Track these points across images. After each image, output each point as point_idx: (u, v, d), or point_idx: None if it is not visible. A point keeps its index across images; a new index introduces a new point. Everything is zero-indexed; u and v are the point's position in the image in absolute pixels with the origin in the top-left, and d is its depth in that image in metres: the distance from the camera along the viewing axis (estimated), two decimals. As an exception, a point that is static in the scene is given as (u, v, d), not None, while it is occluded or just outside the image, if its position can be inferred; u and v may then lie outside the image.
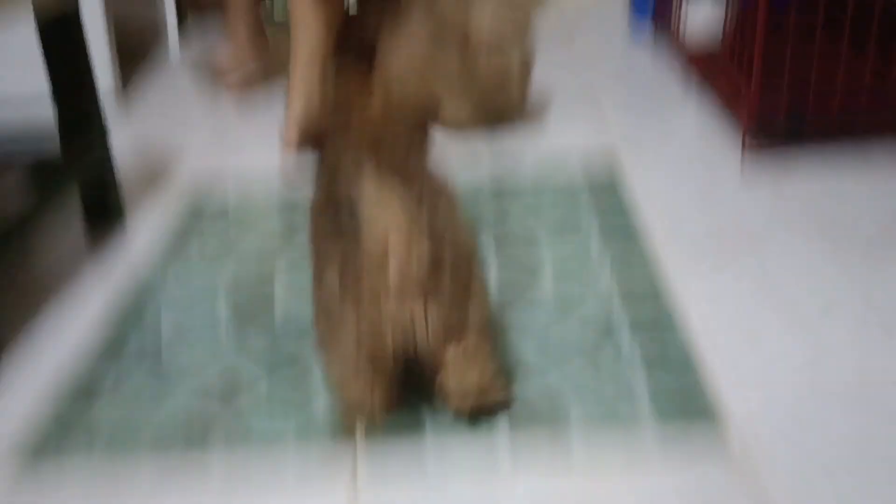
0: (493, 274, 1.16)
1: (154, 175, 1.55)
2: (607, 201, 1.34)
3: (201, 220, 1.38)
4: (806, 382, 0.94)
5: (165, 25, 2.17)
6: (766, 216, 1.27)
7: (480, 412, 0.86)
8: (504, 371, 0.91)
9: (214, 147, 1.65)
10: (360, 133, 0.76)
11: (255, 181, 1.50)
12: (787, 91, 1.44)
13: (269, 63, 1.87)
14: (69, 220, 1.40)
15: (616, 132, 1.58)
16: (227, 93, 1.86)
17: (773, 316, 1.05)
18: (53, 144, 1.28)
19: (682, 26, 1.80)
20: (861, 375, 0.94)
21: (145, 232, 1.36)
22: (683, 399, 0.92)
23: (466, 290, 0.81)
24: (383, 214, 0.74)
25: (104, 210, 1.38)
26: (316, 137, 0.84)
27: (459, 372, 0.82)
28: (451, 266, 0.78)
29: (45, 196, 1.20)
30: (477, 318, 0.82)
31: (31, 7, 1.20)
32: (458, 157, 1.29)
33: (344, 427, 0.87)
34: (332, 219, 0.80)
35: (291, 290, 1.17)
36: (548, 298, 1.10)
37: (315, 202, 0.85)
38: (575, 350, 1.00)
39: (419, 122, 0.75)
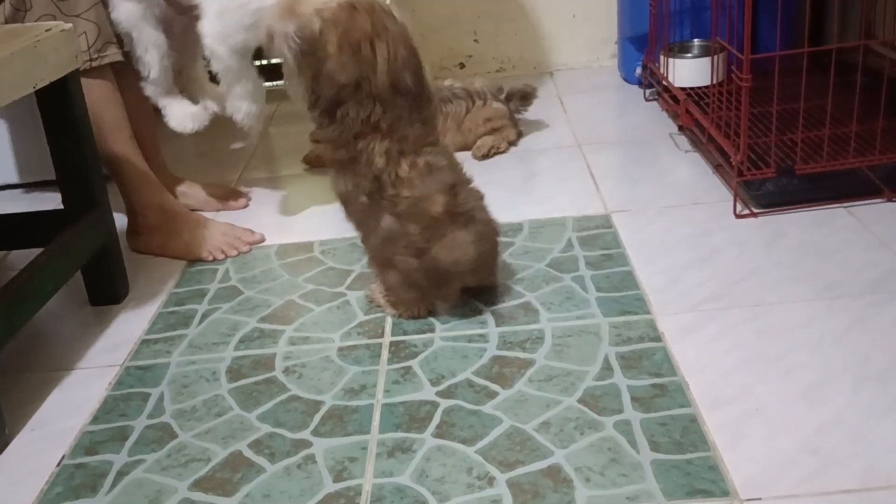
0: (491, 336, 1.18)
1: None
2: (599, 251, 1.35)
3: (202, 296, 1.40)
4: (811, 454, 0.94)
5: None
6: (758, 272, 1.28)
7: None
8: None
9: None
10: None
11: (257, 257, 1.53)
12: (775, 149, 1.47)
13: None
14: (74, 296, 1.42)
15: (607, 183, 1.61)
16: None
17: (774, 383, 1.05)
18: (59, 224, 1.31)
19: (670, 76, 1.85)
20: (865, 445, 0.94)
21: (148, 306, 1.38)
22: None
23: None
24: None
25: (108, 287, 1.40)
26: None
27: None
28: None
29: (50, 274, 1.23)
30: None
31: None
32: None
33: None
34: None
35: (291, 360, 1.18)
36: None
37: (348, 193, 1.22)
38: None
39: None
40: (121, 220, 1.52)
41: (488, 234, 1.22)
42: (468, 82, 1.92)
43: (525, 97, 1.94)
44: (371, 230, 1.22)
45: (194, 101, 1.61)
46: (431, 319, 1.25)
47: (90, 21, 1.42)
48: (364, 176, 1.17)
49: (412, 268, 1.18)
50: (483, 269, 1.24)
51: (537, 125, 2.03)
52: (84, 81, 1.33)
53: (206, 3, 1.43)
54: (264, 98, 1.56)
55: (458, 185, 1.19)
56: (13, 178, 1.95)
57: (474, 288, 1.27)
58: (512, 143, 1.92)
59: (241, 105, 1.53)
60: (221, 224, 1.59)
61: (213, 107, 1.60)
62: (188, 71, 1.63)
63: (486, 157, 1.85)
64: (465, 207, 1.18)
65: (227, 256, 1.53)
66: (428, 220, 1.16)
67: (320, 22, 1.13)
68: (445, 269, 1.18)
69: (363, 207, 1.20)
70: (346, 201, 1.24)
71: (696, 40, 1.99)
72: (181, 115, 1.57)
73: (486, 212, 1.22)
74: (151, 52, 1.49)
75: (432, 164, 1.17)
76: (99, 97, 1.45)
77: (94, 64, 1.44)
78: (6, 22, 1.39)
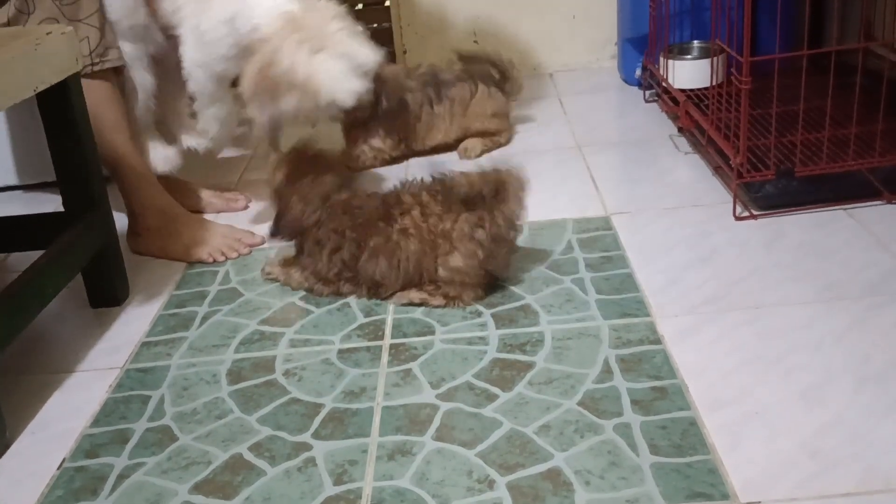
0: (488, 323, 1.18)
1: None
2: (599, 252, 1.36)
3: (202, 298, 1.40)
4: (810, 455, 0.94)
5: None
6: (758, 274, 1.28)
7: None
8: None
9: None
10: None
11: (258, 259, 1.53)
12: (775, 151, 1.47)
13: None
14: (74, 298, 1.42)
15: (607, 184, 1.61)
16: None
17: (774, 385, 1.05)
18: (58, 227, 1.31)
19: (670, 77, 1.85)
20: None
21: (148, 308, 1.38)
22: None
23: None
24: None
25: (108, 289, 1.40)
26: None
27: None
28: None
29: (50, 276, 1.23)
30: None
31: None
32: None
33: None
34: None
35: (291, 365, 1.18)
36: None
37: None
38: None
39: None
40: (121, 222, 1.52)
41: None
42: (464, 65, 1.91)
43: (503, 74, 1.91)
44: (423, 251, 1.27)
45: (174, 131, 1.66)
46: (431, 322, 1.25)
47: (92, 26, 1.43)
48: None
49: (492, 236, 1.24)
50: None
51: (537, 126, 2.03)
52: (85, 83, 1.34)
53: (187, 30, 1.47)
54: (235, 123, 1.61)
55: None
56: (13, 180, 1.95)
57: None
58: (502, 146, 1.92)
59: (212, 126, 1.58)
60: (221, 226, 1.59)
61: (190, 142, 1.65)
62: (172, 104, 1.66)
63: (477, 157, 1.86)
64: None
65: (227, 258, 1.53)
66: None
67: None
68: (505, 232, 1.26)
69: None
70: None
71: (695, 42, 1.99)
72: (154, 157, 1.61)
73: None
74: (138, 92, 1.55)
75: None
76: (100, 98, 1.46)
77: (96, 68, 1.44)
78: (8, 23, 1.39)
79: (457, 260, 1.25)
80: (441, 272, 1.26)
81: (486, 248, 1.25)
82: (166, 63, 1.58)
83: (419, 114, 1.84)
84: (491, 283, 1.30)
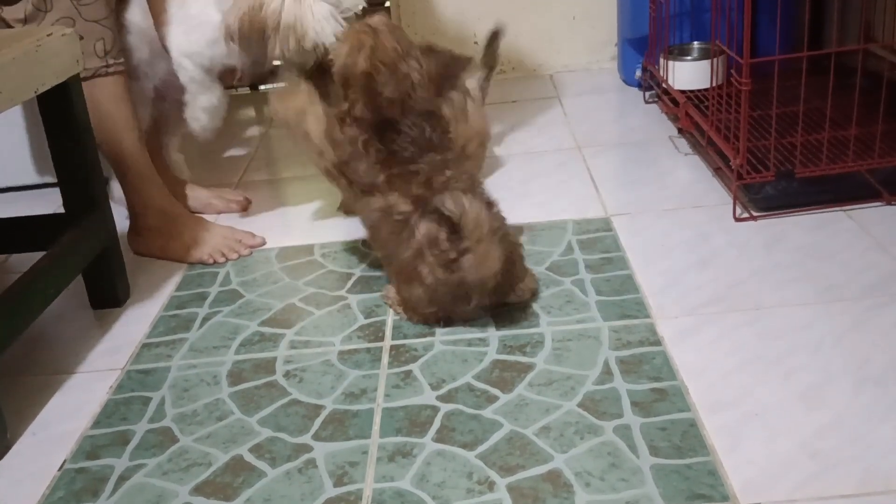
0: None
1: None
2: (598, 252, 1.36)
3: (202, 299, 1.40)
4: (811, 457, 0.94)
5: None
6: (758, 275, 1.29)
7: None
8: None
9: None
10: None
11: (259, 260, 1.53)
12: (774, 152, 1.48)
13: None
14: (75, 299, 1.42)
15: (607, 186, 1.61)
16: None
17: (774, 386, 1.06)
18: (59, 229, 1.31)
19: (670, 79, 1.85)
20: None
21: (149, 309, 1.38)
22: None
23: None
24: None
25: (109, 290, 1.40)
26: None
27: None
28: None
29: (51, 277, 1.23)
30: None
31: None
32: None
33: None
34: None
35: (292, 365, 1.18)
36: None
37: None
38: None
39: None
40: (122, 223, 1.52)
41: (514, 252, 1.22)
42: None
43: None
44: (402, 242, 1.20)
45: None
46: (432, 323, 1.26)
47: (108, 28, 1.43)
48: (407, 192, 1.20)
49: (438, 280, 1.17)
50: (502, 288, 1.22)
51: (537, 128, 2.03)
52: (100, 81, 1.34)
53: (174, 19, 1.50)
54: (224, 112, 1.61)
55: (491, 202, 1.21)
56: (14, 181, 1.95)
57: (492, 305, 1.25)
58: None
59: (201, 116, 1.59)
60: (222, 227, 1.59)
61: None
62: (167, 136, 1.69)
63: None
64: (498, 223, 1.19)
65: (227, 259, 1.53)
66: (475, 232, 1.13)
67: (347, 47, 1.21)
68: (471, 284, 1.16)
69: (397, 224, 1.20)
70: (377, 224, 1.24)
71: (695, 43, 2.00)
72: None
73: (512, 233, 1.23)
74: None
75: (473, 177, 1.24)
76: (113, 96, 1.46)
77: (111, 70, 1.44)
78: (25, 20, 1.39)
79: (410, 290, 1.21)
80: (402, 289, 1.24)
81: (438, 298, 1.19)
82: (167, 96, 1.61)
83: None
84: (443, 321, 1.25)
